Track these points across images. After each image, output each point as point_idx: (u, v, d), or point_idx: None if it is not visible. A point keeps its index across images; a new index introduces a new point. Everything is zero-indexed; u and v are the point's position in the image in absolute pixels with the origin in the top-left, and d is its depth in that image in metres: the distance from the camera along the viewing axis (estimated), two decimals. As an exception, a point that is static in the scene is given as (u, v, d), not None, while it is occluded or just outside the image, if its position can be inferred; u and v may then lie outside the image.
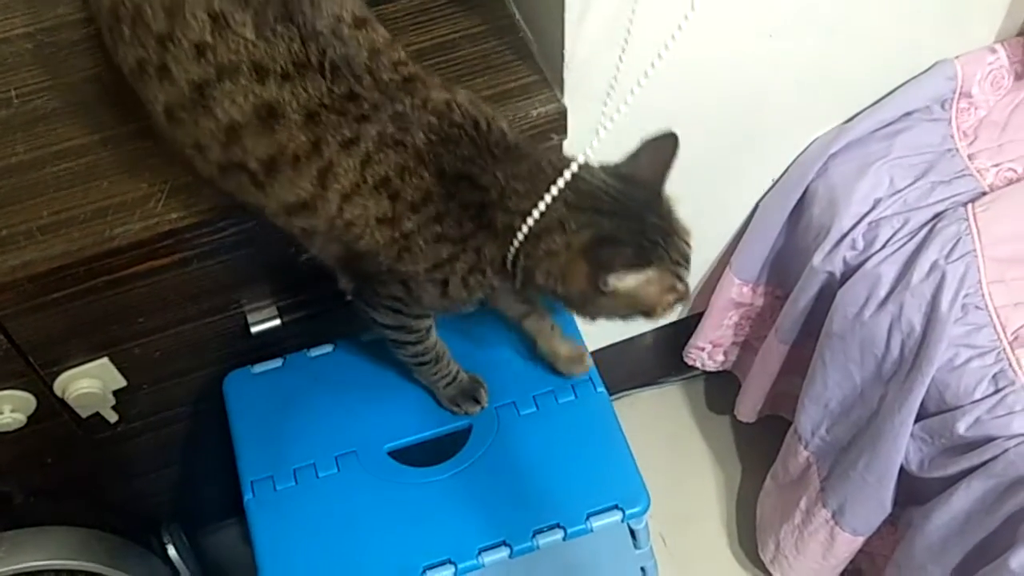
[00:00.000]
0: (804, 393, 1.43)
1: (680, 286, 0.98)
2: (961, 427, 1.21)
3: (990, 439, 1.19)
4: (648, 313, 0.99)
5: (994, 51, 1.41)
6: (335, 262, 1.05)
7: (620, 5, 1.10)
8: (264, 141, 0.94)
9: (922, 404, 1.26)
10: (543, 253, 0.95)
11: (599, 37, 1.12)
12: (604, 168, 0.98)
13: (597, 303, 0.97)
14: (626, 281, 0.93)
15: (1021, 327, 1.23)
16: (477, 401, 1.22)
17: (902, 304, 1.26)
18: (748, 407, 1.65)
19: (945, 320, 1.23)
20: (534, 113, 1.17)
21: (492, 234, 0.96)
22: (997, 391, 1.20)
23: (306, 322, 1.28)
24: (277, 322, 1.26)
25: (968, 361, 1.23)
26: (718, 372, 1.75)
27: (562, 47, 1.13)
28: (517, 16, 1.25)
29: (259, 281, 1.25)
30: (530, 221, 0.94)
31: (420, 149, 0.94)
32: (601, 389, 1.24)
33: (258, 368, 1.26)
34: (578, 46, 1.13)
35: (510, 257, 0.96)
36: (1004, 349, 1.22)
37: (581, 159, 0.94)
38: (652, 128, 1.00)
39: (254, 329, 1.25)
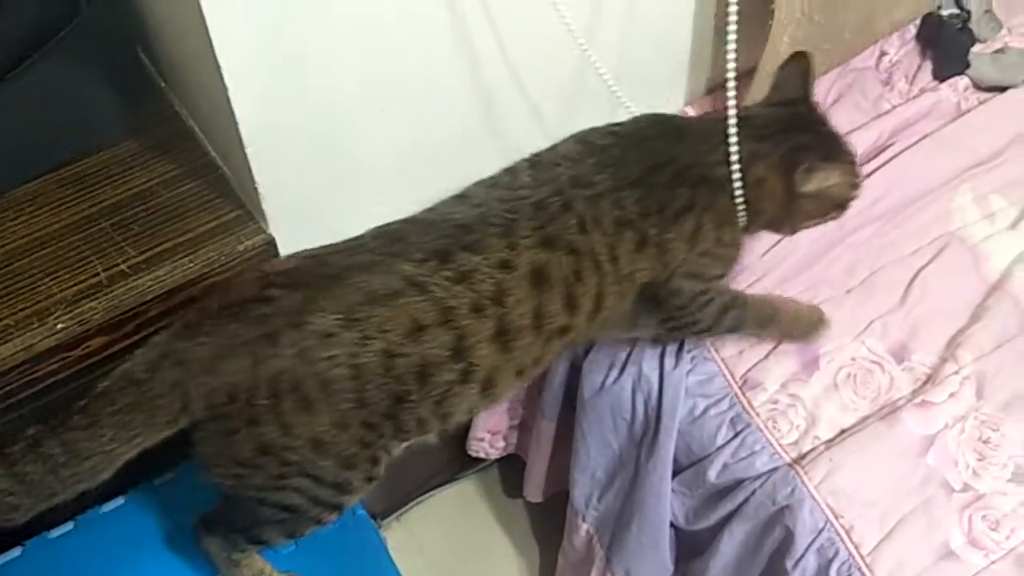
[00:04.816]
0: (572, 466, 1.45)
1: (859, 180, 1.14)
2: (712, 475, 1.25)
3: (739, 482, 1.23)
4: (842, 207, 1.14)
5: (685, 114, 1.50)
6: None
7: (301, 136, 1.12)
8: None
9: (675, 459, 1.30)
10: (753, 183, 1.09)
11: (285, 167, 1.13)
12: (765, 104, 1.17)
13: (802, 210, 1.12)
14: (819, 179, 1.08)
15: (748, 371, 1.29)
16: None
17: (640, 365, 1.31)
18: (534, 487, 1.66)
19: (679, 375, 1.28)
20: (240, 248, 1.17)
21: (714, 187, 1.09)
22: (736, 435, 1.25)
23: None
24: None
25: (706, 411, 1.27)
26: (506, 456, 1.76)
27: (253, 180, 1.13)
28: (213, 154, 1.24)
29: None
30: (735, 163, 1.07)
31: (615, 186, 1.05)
32: (360, 511, 1.22)
33: (-6, 562, 1.18)
34: (266, 177, 1.13)
35: (740, 204, 1.10)
36: (736, 394, 1.27)
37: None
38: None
39: (-12, 518, 1.17)
